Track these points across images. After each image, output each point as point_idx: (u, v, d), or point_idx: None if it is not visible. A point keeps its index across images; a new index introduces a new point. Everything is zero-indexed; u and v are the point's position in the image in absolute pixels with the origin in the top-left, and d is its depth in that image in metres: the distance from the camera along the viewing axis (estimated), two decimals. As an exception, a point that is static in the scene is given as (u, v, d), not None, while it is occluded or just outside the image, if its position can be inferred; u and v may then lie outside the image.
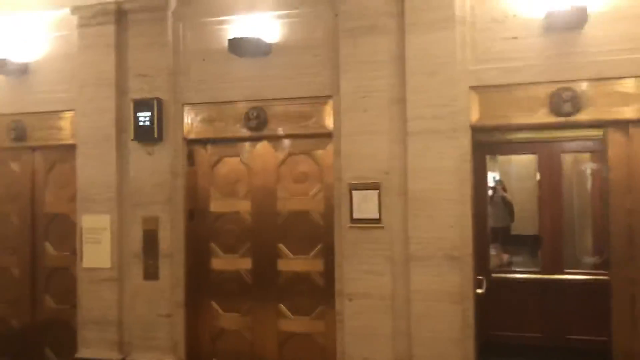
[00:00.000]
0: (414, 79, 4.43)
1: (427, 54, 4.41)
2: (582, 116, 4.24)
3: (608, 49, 4.19)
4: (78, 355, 5.21)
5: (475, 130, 4.45)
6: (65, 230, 5.56)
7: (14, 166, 5.77)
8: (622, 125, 4.27)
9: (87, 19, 5.21)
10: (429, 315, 4.36)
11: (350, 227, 4.56)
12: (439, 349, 4.33)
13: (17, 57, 5.47)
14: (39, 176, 5.70)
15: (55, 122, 5.50)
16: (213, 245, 5.20)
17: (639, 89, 4.15)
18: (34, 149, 5.68)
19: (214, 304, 5.18)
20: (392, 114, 4.49)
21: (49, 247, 5.67)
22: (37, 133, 5.58)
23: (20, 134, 5.57)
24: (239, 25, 4.89)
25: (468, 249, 4.37)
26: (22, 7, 5.43)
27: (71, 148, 5.41)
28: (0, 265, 5.78)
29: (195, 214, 5.19)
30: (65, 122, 5.47)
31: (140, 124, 4.98)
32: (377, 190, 4.48)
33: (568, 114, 4.26)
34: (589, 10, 4.13)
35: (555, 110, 4.29)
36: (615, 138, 4.32)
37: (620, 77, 4.18)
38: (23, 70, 5.50)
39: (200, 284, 5.17)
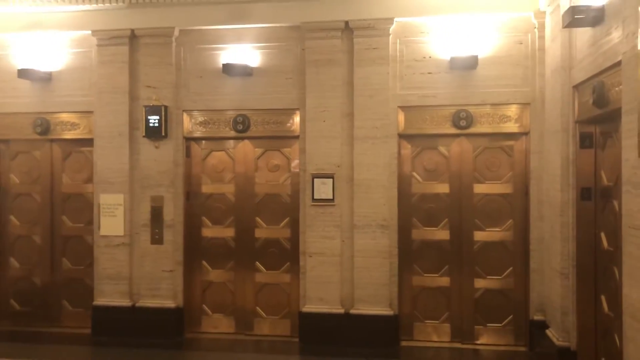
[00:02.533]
0: (358, 99, 6.20)
1: (368, 81, 6.19)
2: (473, 129, 6.16)
3: (491, 84, 6.11)
4: (96, 303, 6.68)
5: (401, 137, 6.29)
6: (80, 207, 6.99)
7: (37, 154, 7.10)
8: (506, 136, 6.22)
9: (105, 40, 6.62)
10: (367, 268, 6.19)
11: (312, 205, 6.29)
12: (373, 290, 6.17)
13: (42, 66, 6.79)
14: (57, 163, 7.07)
15: (73, 120, 6.88)
16: (204, 218, 6.80)
17: (514, 112, 6.09)
18: (53, 141, 7.02)
19: (205, 263, 6.80)
20: (343, 124, 6.26)
21: (66, 220, 7.06)
22: (57, 128, 6.93)
23: (43, 129, 6.91)
24: (229, 52, 6.48)
25: (394, 220, 6.23)
26: (50, 27, 6.73)
27: (85, 141, 6.85)
28: (25, 234, 7.12)
29: (191, 194, 6.77)
30: (81, 121, 6.86)
31: (150, 124, 6.49)
32: (332, 179, 6.24)
33: (464, 128, 6.17)
34: (480, 57, 6.03)
35: (456, 124, 6.19)
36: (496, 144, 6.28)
37: (499, 104, 6.12)
38: (47, 78, 6.82)
39: (195, 248, 6.76)
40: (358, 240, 6.21)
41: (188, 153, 6.76)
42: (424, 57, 6.22)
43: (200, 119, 6.67)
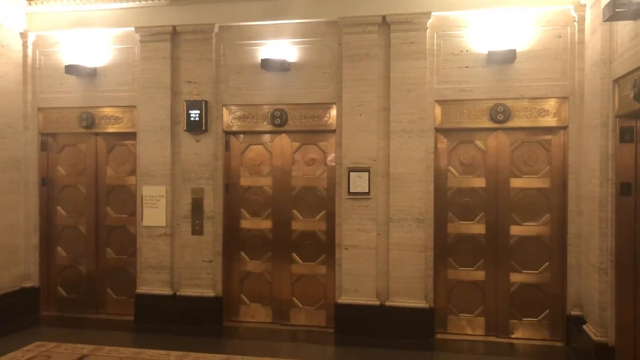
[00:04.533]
0: (395, 93, 6.25)
1: (405, 76, 6.23)
2: (510, 123, 6.15)
3: (530, 77, 6.07)
4: (138, 291, 6.92)
5: (438, 131, 6.31)
6: (123, 198, 7.24)
7: (82, 147, 7.36)
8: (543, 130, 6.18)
9: (148, 36, 6.82)
10: (402, 261, 6.24)
11: (347, 198, 6.38)
12: (408, 283, 6.23)
13: (88, 62, 7.04)
14: (102, 155, 7.32)
15: (116, 114, 7.12)
16: (243, 210, 6.96)
17: (552, 106, 6.05)
18: (98, 134, 7.28)
19: (243, 254, 6.96)
20: (379, 118, 6.31)
21: (110, 211, 7.32)
22: (101, 122, 7.18)
23: (89, 123, 7.16)
24: (267, 48, 6.60)
25: (430, 214, 6.26)
26: (95, 25, 6.97)
27: (128, 135, 7.08)
28: (71, 224, 7.41)
29: (230, 187, 6.93)
30: (124, 115, 7.09)
31: (191, 119, 6.66)
32: (368, 172, 6.31)
33: (501, 122, 6.16)
34: (517, 51, 6.00)
35: (493, 118, 6.18)
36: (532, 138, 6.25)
37: (537, 98, 6.08)
38: (92, 74, 7.07)
39: (233, 239, 6.93)
40: (393, 234, 6.27)
41: (227, 147, 6.92)
42: (461, 51, 6.22)
43: (239, 113, 6.81)
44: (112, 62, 7.08)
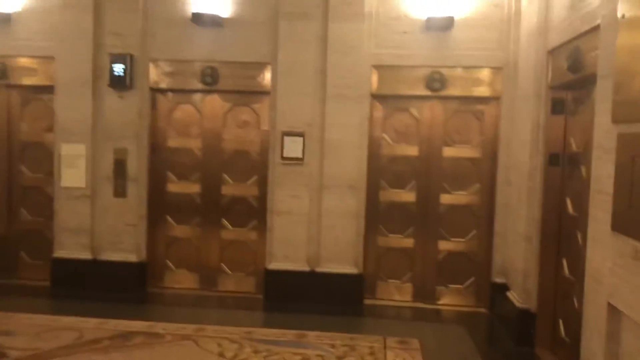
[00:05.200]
0: (332, 56, 6.07)
1: (343, 38, 6.06)
2: (446, 92, 6.13)
3: (467, 46, 6.05)
4: (55, 255, 6.50)
5: (374, 97, 6.21)
6: (39, 156, 6.74)
7: (-7, 100, 6.78)
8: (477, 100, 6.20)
9: (68, -18, 6.28)
10: (334, 227, 6.17)
11: (281, 163, 6.20)
12: (339, 249, 6.18)
13: (1, 7, 6.41)
14: (15, 110, 6.76)
15: (32, 65, 6.57)
16: (170, 173, 6.64)
17: (487, 76, 6.07)
18: (11, 86, 6.70)
19: (169, 218, 6.67)
20: (315, 81, 6.13)
21: (25, 170, 6.81)
22: (15, 73, 6.60)
23: (1, 74, 6.57)
24: (199, 1, 6.22)
25: (363, 181, 6.20)
26: (7, -35, 6.36)
27: (45, 88, 6.55)
28: (-20, 183, 6.85)
29: (156, 148, 6.59)
30: (41, 66, 6.55)
31: (115, 73, 6.23)
32: (302, 137, 6.15)
33: (437, 90, 6.13)
34: (455, 19, 5.95)
35: (429, 86, 6.14)
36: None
37: (473, 67, 6.08)
38: (6, 19, 6.45)
39: (159, 203, 6.62)
40: (326, 200, 6.17)
41: (154, 105, 6.55)
42: (400, 16, 6.11)
43: (168, 69, 6.44)
44: (29, 8, 6.49)
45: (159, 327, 5.27)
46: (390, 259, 6.46)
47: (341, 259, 6.18)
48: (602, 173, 3.46)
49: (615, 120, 3.26)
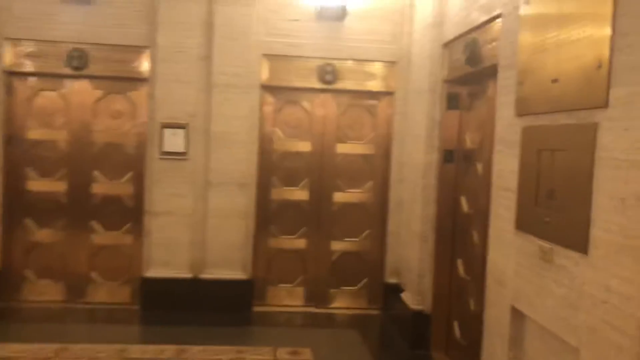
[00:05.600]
0: (219, 42, 5.57)
1: (230, 23, 5.58)
2: (339, 85, 5.84)
3: (360, 38, 5.80)
4: None
5: (265, 88, 5.79)
6: None
7: None
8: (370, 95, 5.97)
9: None
10: (221, 229, 5.67)
11: (160, 158, 5.60)
12: (226, 253, 5.68)
13: None
14: None
15: None
16: (30, 169, 5.77)
17: (381, 70, 5.86)
18: None
19: (29, 221, 5.80)
20: (199, 68, 5.59)
21: None
22: None
23: None
24: (65, -27, 5.46)
25: (253, 178, 5.76)
26: None
27: None
28: None
29: (13, 140, 5.70)
30: None
31: (-41, 52, 5.30)
32: (185, 129, 5.58)
33: (329, 83, 5.83)
34: (349, 9, 5.68)
35: (322, 79, 5.82)
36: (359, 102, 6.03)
37: (367, 60, 5.85)
38: None
39: (16, 203, 5.74)
40: (213, 199, 5.65)
41: (10, 90, 5.67)
42: (291, 3, 5.74)
43: (28, 50, 5.60)
44: None
45: (10, 349, 4.47)
46: (282, 261, 6.06)
47: (228, 263, 5.69)
48: (505, 168, 3.29)
49: (520, 113, 3.09)
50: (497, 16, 3.58)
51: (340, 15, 5.67)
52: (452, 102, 4.81)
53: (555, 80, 2.71)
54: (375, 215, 6.09)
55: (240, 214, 5.70)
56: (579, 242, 2.43)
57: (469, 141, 4.59)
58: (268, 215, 5.99)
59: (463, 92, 4.72)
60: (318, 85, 5.86)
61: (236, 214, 5.68)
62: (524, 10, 3.05)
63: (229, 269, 5.70)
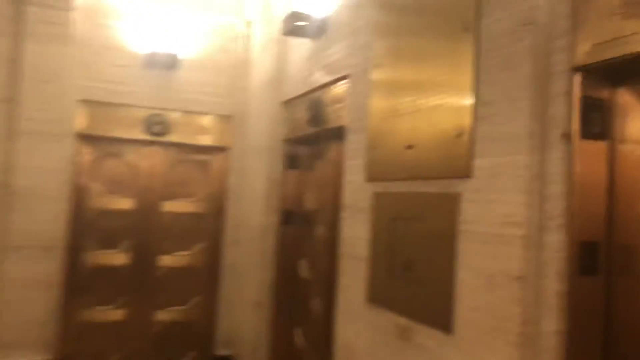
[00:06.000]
0: (27, 83, 4.79)
1: (43, 63, 4.84)
2: (169, 137, 5.37)
3: (194, 90, 5.43)
4: None
5: (81, 138, 5.09)
6: None
7: None
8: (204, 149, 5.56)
9: None
10: (19, 302, 4.72)
11: (-59, 216, 4.56)
12: (25, 331, 4.73)
13: None
14: None
15: None
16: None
17: (216, 124, 5.51)
18: None
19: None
20: (1, 112, 4.74)
21: None
22: None
23: None
24: None
25: (62, 240, 4.95)
26: None
27: None
28: None
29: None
30: None
31: None
32: (-23, 182, 4.63)
33: (158, 135, 5.33)
34: (182, 58, 5.30)
35: (149, 130, 5.30)
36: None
37: (200, 113, 5.47)
38: None
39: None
40: (11, 267, 4.71)
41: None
42: (117, 46, 5.19)
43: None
44: None
45: None
46: (95, 336, 5.23)
47: (28, 343, 4.74)
48: (354, 235, 3.10)
49: (371, 178, 2.95)
50: (344, 77, 3.47)
51: (172, 63, 5.26)
52: (292, 161, 4.62)
53: (410, 147, 2.60)
54: (206, 281, 5.58)
55: (44, 283, 4.82)
56: (442, 320, 2.27)
57: (310, 203, 4.40)
58: (80, 284, 5.16)
59: (304, 152, 4.56)
60: (145, 136, 5.32)
61: (39, 283, 4.80)
62: (376, 74, 2.95)
63: (29, 349, 4.74)
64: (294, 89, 4.41)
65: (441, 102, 2.40)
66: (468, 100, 2.24)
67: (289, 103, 4.57)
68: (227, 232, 5.53)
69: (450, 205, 2.29)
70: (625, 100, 1.94)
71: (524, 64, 2.00)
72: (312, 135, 4.19)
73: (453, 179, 2.31)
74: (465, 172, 2.23)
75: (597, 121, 1.95)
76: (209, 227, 5.61)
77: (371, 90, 2.98)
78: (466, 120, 2.24)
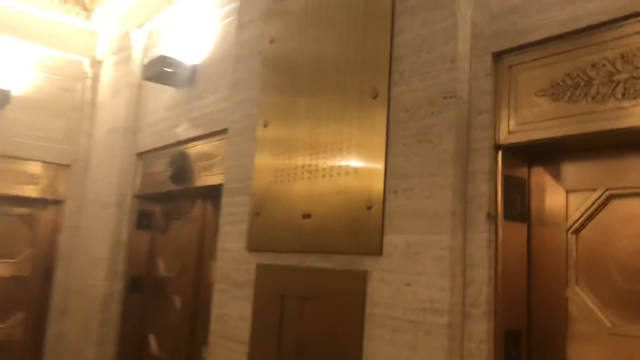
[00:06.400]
0: None
1: None
2: (-11, 187, 4.51)
3: (24, 132, 4.68)
4: None
5: None
6: None
7: None
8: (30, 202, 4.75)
9: None
10: None
11: None
12: None
13: None
14: None
15: None
16: None
17: (46, 173, 4.77)
18: None
19: None
20: None
21: None
22: None
23: None
24: None
25: None
26: None
27: None
28: None
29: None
30: None
31: None
32: None
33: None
34: (13, 94, 4.56)
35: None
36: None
37: (29, 159, 4.71)
38: None
39: None
40: None
41: None
42: None
43: None
44: None
45: None
46: None
47: None
48: (231, 313, 2.72)
49: (254, 247, 2.63)
50: (220, 132, 3.16)
51: (2, 100, 4.49)
52: (145, 220, 4.10)
53: (307, 215, 2.35)
54: (27, 358, 4.68)
55: None
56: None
57: (165, 268, 3.91)
58: None
59: (160, 210, 4.08)
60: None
61: None
62: (264, 132, 2.68)
63: None
64: (153, 140, 3.96)
65: (347, 169, 2.20)
66: (379, 170, 2.06)
67: (145, 155, 4.09)
68: (54, 299, 4.72)
69: (356, 284, 2.06)
70: (542, 180, 1.91)
71: (445, 138, 1.89)
72: (173, 193, 3.75)
73: (360, 255, 2.09)
74: (375, 249, 2.03)
75: (517, 201, 1.88)
76: (31, 294, 4.76)
77: (258, 149, 2.69)
78: (377, 192, 2.06)
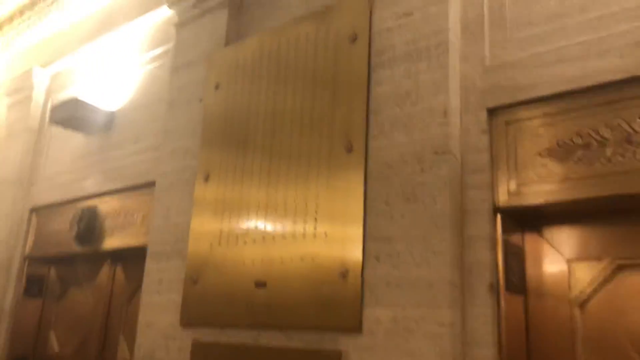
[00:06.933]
0: None
1: None
2: None
3: None
4: None
5: None
6: None
7: None
8: None
9: None
10: None
11: None
12: None
13: None
14: None
15: None
16: None
17: None
18: None
19: None
20: None
21: None
22: None
23: None
24: None
25: None
26: None
27: None
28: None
29: None
30: None
31: None
32: None
33: None
34: None
35: None
36: None
37: None
38: None
39: None
40: None
41: None
42: None
43: None
44: None
45: None
46: None
47: None
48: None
49: (189, 322, 2.23)
50: (146, 185, 2.76)
51: None
52: (33, 286, 3.48)
53: (261, 284, 2.01)
54: None
55: None
56: None
57: (58, 344, 3.30)
58: None
59: (54, 274, 3.49)
60: None
61: None
62: (203, 189, 2.33)
63: None
64: (53, 194, 3.42)
65: (314, 232, 1.92)
66: (356, 233, 1.80)
67: (41, 210, 3.51)
68: None
69: (328, 367, 1.75)
70: (537, 246, 1.75)
71: (439, 197, 1.68)
72: (75, 255, 3.21)
73: (332, 331, 1.78)
74: (352, 324, 1.73)
75: (515, 271, 1.70)
76: None
77: (196, 206, 2.33)
78: (353, 257, 1.79)
